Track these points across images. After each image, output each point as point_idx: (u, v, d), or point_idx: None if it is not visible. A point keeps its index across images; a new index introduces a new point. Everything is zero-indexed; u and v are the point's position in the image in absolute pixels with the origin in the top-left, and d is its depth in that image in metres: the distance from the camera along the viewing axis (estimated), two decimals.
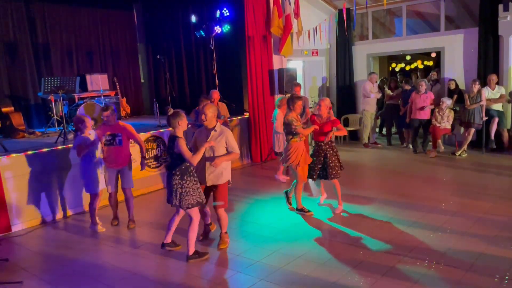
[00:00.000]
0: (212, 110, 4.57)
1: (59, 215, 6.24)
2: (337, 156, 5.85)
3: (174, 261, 4.58)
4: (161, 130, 7.61)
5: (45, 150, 6.12)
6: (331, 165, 5.75)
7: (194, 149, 4.58)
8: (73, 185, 6.34)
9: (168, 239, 4.78)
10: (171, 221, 4.74)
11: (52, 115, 8.31)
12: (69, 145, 6.40)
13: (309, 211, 5.78)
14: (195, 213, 4.48)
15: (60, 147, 6.32)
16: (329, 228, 5.29)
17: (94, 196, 5.53)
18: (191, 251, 4.48)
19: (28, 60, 9.18)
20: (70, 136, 6.96)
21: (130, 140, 5.71)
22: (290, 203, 6.03)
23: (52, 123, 8.29)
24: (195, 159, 4.32)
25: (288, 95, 9.44)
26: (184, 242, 4.63)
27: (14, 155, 5.84)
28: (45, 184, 6.08)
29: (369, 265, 4.22)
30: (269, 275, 4.13)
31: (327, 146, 5.78)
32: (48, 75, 9.04)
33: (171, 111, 4.64)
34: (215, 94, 7.33)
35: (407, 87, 9.68)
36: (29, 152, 5.96)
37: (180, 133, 4.39)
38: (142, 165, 5.79)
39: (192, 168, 4.44)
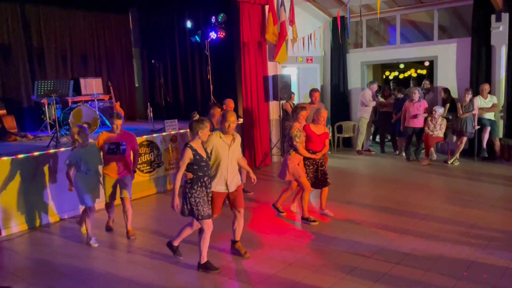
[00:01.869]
0: (235, 117, 4.54)
1: (50, 219, 6.17)
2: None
3: (165, 267, 4.55)
4: (155, 135, 7.58)
5: (36, 153, 6.07)
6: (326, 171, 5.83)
7: (211, 157, 4.42)
8: (64, 189, 6.28)
9: (176, 243, 4.64)
10: (183, 229, 4.56)
11: (45, 118, 8.25)
12: (61, 149, 6.36)
13: (314, 221, 5.66)
14: (207, 225, 4.29)
15: (52, 150, 6.27)
16: (322, 235, 5.28)
17: (86, 209, 5.26)
18: (203, 260, 4.37)
19: (22, 63, 9.13)
20: (63, 139, 6.91)
21: None
22: (282, 211, 6.04)
23: (44, 127, 8.23)
24: (178, 179, 4.16)
25: (283, 101, 9.53)
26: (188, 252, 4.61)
27: (5, 158, 5.78)
28: (36, 188, 6.02)
29: (362, 272, 4.22)
30: (261, 281, 4.11)
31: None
32: (41, 78, 8.99)
33: (196, 116, 4.44)
34: (231, 103, 7.15)
35: (400, 95, 9.76)
36: (20, 156, 5.90)
37: (195, 141, 4.24)
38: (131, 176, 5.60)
39: (205, 179, 4.27)
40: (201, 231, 4.33)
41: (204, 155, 4.26)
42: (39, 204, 6.06)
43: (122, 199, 5.46)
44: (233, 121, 4.49)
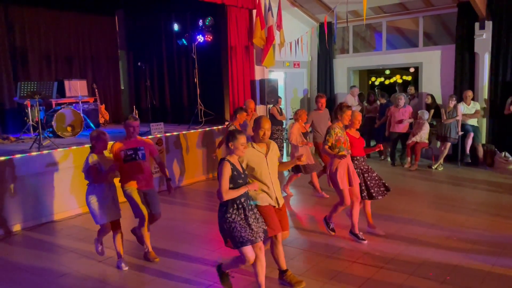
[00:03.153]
0: (270, 124, 3.95)
1: (31, 223, 6.03)
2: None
3: (145, 274, 4.49)
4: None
5: (17, 156, 5.95)
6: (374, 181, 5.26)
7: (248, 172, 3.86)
8: (50, 193, 6.18)
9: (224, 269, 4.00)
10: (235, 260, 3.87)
11: (27, 120, 8.11)
12: (44, 151, 6.25)
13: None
14: (246, 254, 3.63)
15: (34, 153, 6.16)
16: (306, 239, 5.28)
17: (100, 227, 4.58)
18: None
19: (4, 63, 8.97)
20: (46, 142, 6.80)
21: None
22: (332, 230, 5.34)
23: (27, 129, 8.09)
24: (227, 196, 3.56)
25: (270, 105, 9.53)
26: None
27: None
28: (19, 191, 5.89)
29: (346, 276, 4.22)
30: (247, 286, 4.08)
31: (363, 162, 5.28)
32: (25, 79, 8.84)
33: (232, 127, 3.95)
34: (252, 104, 6.96)
35: (383, 101, 9.86)
36: (1, 158, 5.78)
37: (231, 156, 3.66)
38: (170, 188, 4.80)
39: (242, 199, 3.65)
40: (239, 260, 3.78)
41: (242, 171, 3.72)
42: (21, 208, 5.92)
43: (152, 215, 4.74)
44: (268, 128, 3.88)
